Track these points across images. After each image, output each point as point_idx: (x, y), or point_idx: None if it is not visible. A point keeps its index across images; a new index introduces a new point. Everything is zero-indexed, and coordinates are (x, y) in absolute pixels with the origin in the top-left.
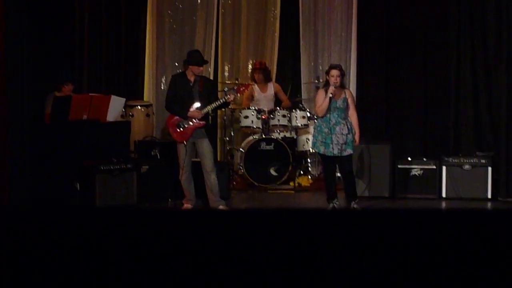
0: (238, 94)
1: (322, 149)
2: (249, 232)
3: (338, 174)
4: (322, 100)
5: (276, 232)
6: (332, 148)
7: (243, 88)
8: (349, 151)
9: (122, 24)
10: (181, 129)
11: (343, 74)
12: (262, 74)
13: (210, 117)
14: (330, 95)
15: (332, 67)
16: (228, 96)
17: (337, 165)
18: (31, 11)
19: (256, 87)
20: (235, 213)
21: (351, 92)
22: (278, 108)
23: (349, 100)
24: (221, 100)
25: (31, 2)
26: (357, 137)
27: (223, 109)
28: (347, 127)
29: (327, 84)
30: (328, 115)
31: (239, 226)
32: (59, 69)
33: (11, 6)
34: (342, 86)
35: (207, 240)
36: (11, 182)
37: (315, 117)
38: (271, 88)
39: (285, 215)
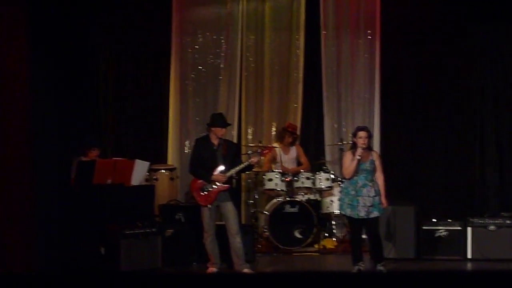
0: (262, 157)
1: (348, 212)
2: None
3: (364, 236)
4: (349, 162)
5: None
6: (359, 210)
7: (267, 150)
8: (376, 213)
9: (146, 88)
10: (205, 192)
11: (370, 136)
12: (292, 138)
13: (234, 180)
14: (358, 157)
15: (359, 128)
16: (252, 159)
17: (363, 228)
18: (56, 78)
19: (279, 148)
20: (260, 276)
21: (378, 154)
22: (302, 170)
23: (377, 162)
24: (244, 164)
25: (56, 69)
26: (383, 200)
27: (247, 172)
28: (374, 189)
29: (354, 146)
30: (355, 177)
31: None
32: (84, 134)
33: (37, 76)
34: (369, 148)
35: None
36: (38, 247)
37: (340, 179)
38: (294, 149)
39: (310, 279)
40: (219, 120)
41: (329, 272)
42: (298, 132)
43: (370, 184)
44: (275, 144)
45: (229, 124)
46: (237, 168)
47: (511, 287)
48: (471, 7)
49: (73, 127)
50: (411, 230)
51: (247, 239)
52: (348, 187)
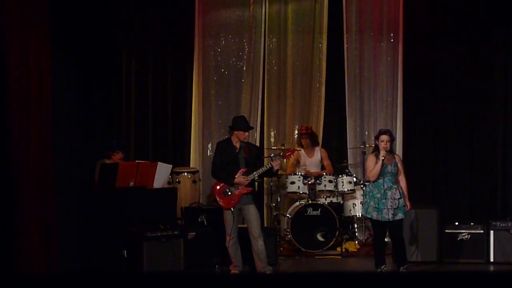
0: (285, 160)
1: (375, 215)
2: None
3: (387, 239)
4: (373, 165)
5: None
6: (385, 213)
7: (289, 153)
8: (400, 215)
9: (168, 91)
10: (228, 195)
11: (392, 139)
12: (309, 139)
13: (256, 183)
14: (383, 158)
15: (381, 132)
16: (274, 162)
17: (387, 230)
18: (79, 81)
19: (302, 152)
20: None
21: (400, 157)
22: (324, 174)
23: (399, 165)
24: (267, 166)
25: (79, 73)
26: (407, 202)
27: (271, 178)
28: (399, 192)
29: (376, 149)
30: (380, 180)
31: None
32: (108, 137)
33: (60, 79)
34: (391, 151)
35: None
36: (59, 249)
37: (363, 182)
38: (318, 152)
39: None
40: (241, 124)
41: (351, 272)
42: (320, 134)
43: (395, 186)
44: (299, 149)
45: (252, 128)
46: (259, 171)
47: None
48: (494, 9)
49: (96, 130)
50: (434, 233)
51: (270, 242)
52: (373, 190)
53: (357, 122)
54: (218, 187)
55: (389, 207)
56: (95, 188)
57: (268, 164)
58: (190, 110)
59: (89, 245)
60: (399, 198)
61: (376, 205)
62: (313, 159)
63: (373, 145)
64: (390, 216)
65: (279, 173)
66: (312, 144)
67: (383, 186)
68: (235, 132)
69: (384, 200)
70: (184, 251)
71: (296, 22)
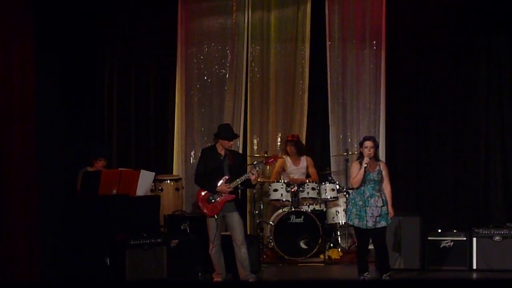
0: (268, 167)
1: (356, 222)
2: None
3: (370, 247)
4: (356, 171)
5: None
6: (367, 220)
7: (272, 159)
8: (383, 223)
9: (151, 99)
10: (212, 203)
11: (376, 146)
12: (294, 146)
13: (239, 190)
14: (365, 165)
15: (365, 138)
16: (251, 175)
17: (370, 238)
18: (62, 88)
19: (288, 159)
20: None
21: (385, 164)
22: (307, 181)
23: (384, 173)
24: (246, 176)
25: (62, 79)
26: (390, 209)
27: (252, 189)
28: (382, 199)
29: (361, 156)
30: (362, 188)
31: None
32: (90, 144)
33: (43, 86)
34: (376, 158)
35: None
36: (42, 256)
37: (346, 189)
38: (304, 161)
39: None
40: (227, 132)
41: (334, 280)
42: (303, 141)
43: (378, 194)
44: (284, 157)
45: (237, 136)
46: (241, 179)
47: None
48: (477, 17)
49: (79, 137)
50: (417, 241)
51: (253, 250)
52: (356, 198)
53: (340, 130)
54: (201, 194)
55: (370, 215)
56: (78, 196)
57: (246, 174)
58: (173, 118)
59: (72, 252)
60: (381, 206)
61: (358, 212)
62: (299, 167)
63: (356, 153)
64: (371, 224)
65: (262, 180)
66: (297, 152)
67: (365, 193)
68: (220, 140)
69: (366, 208)
70: (167, 259)
71: (279, 30)
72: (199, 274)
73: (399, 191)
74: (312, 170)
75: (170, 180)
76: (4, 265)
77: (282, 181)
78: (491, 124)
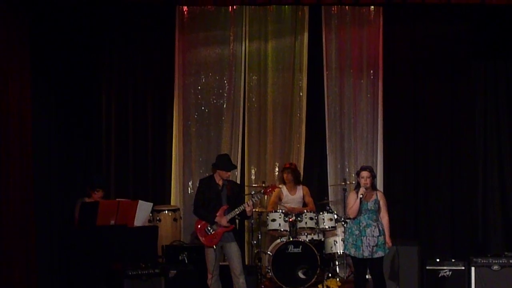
0: (266, 196)
1: (353, 251)
2: None
3: (368, 276)
4: (353, 201)
5: None
6: (363, 250)
7: (270, 189)
8: (380, 253)
9: (149, 129)
10: (210, 233)
11: (373, 176)
12: (291, 174)
13: (237, 220)
14: (361, 196)
15: (362, 168)
16: (246, 207)
17: (367, 267)
18: (59, 120)
19: (284, 189)
20: None
21: (383, 194)
22: (305, 211)
23: (381, 202)
24: (242, 207)
25: (59, 111)
26: (388, 239)
27: (249, 220)
28: (378, 229)
29: (358, 186)
30: (359, 217)
31: None
32: (88, 175)
33: (39, 116)
34: (373, 187)
35: None
36: (39, 286)
37: (344, 219)
38: (300, 190)
39: None
40: (225, 163)
41: None
42: (301, 171)
43: (374, 224)
44: (281, 186)
45: (235, 167)
46: (237, 210)
47: None
48: (474, 45)
49: (76, 168)
50: (415, 270)
51: (251, 280)
52: (352, 227)
53: (338, 159)
54: (199, 226)
55: (366, 245)
56: (76, 227)
57: (243, 205)
58: (171, 148)
59: (69, 283)
60: (378, 236)
61: (355, 241)
62: (295, 197)
63: (353, 182)
64: (367, 253)
65: (259, 210)
66: (294, 181)
67: (362, 223)
68: (218, 171)
69: (362, 237)
70: None
71: (276, 60)
72: None
73: (397, 220)
74: (309, 199)
75: (168, 210)
76: None
77: (280, 211)
78: (488, 151)
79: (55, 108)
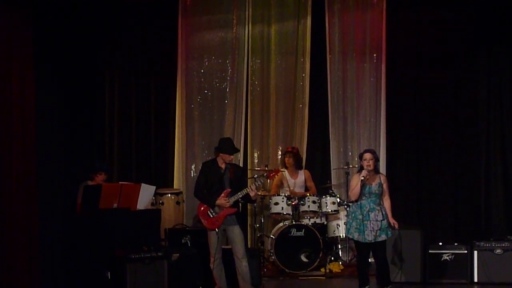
0: (268, 180)
1: (356, 236)
2: None
3: (371, 260)
4: (356, 184)
5: None
6: (367, 234)
7: (273, 173)
8: (383, 237)
9: (152, 112)
10: (213, 216)
11: (376, 159)
12: (293, 158)
13: (240, 204)
14: (362, 178)
15: (365, 151)
16: (250, 189)
17: (370, 251)
18: (62, 103)
19: (286, 173)
20: None
21: (386, 177)
22: (308, 194)
23: (384, 186)
24: (245, 191)
25: (62, 94)
26: (392, 220)
27: (253, 204)
28: (382, 213)
29: (361, 169)
30: (362, 201)
31: None
32: (91, 158)
33: (43, 101)
34: (376, 171)
35: None
36: (43, 271)
37: (346, 203)
38: (302, 175)
39: None
40: (228, 147)
41: None
42: (304, 154)
43: (378, 208)
44: (284, 170)
45: (238, 150)
46: (240, 194)
47: None
48: (478, 30)
49: (80, 152)
50: (418, 254)
51: (254, 263)
52: (356, 211)
53: (341, 143)
54: (202, 208)
55: (370, 229)
56: (79, 210)
57: (246, 189)
58: (174, 131)
59: (73, 266)
60: (381, 220)
61: (358, 226)
62: (297, 181)
63: (356, 166)
64: (372, 237)
65: (262, 194)
66: (295, 165)
67: (366, 207)
68: (220, 154)
69: (366, 222)
70: (168, 273)
71: (279, 43)
72: (200, 287)
73: (399, 204)
74: (311, 184)
75: (171, 194)
76: (4, 280)
77: (283, 194)
78: (492, 135)
79: (58, 92)
